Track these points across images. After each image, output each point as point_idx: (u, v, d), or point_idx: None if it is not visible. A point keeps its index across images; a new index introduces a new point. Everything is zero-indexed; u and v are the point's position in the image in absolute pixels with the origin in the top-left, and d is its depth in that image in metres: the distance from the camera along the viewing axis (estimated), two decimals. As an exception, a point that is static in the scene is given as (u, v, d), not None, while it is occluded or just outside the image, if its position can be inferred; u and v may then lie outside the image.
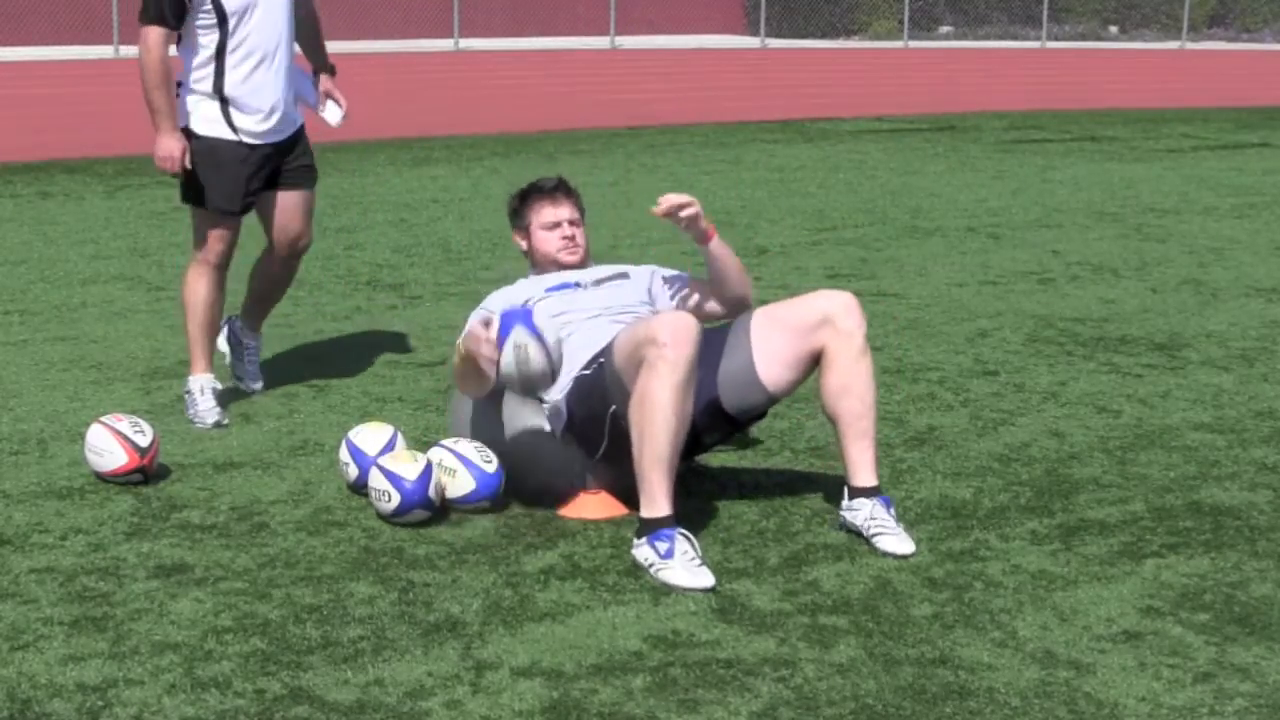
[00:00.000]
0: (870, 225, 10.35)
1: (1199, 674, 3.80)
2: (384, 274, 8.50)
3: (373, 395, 6.12)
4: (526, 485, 4.89)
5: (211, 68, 5.64)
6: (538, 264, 5.18)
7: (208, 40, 5.61)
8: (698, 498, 4.91)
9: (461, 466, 4.76)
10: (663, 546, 4.32)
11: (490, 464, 4.78)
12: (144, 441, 4.98)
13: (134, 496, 4.92)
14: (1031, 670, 3.81)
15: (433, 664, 3.79)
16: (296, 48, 5.93)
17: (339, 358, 6.69)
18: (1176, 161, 14.13)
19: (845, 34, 34.44)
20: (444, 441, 4.93)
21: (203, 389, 5.77)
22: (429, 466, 4.68)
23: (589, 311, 4.93)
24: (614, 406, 4.56)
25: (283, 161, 5.87)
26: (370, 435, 4.98)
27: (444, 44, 28.35)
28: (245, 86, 5.67)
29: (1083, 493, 5.10)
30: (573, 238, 5.15)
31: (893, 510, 4.64)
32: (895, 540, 4.54)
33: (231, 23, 5.59)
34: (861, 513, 4.62)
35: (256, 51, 5.65)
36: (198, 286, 5.82)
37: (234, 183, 5.74)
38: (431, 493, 4.66)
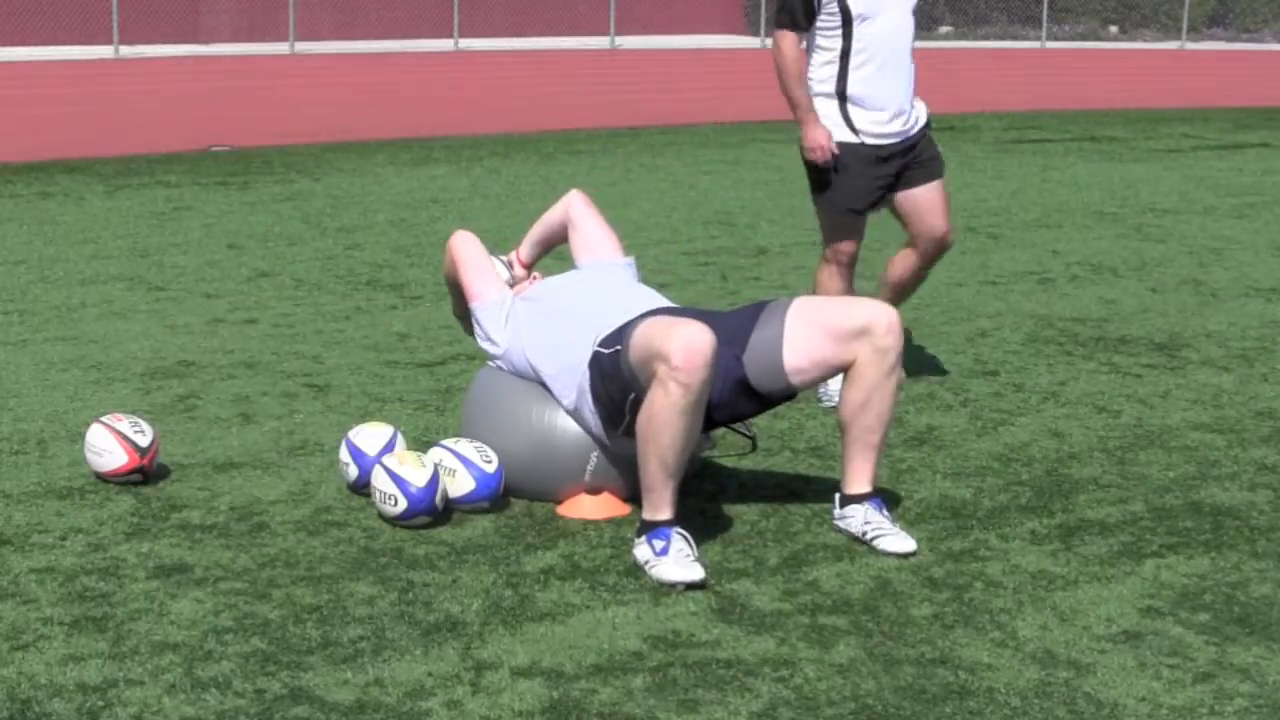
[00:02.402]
0: (870, 225, 10.33)
1: (1199, 674, 3.81)
2: (384, 274, 8.50)
3: (373, 395, 6.12)
4: (529, 486, 4.89)
5: (835, 69, 5.92)
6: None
7: (830, 43, 5.91)
8: (698, 498, 4.91)
9: (461, 466, 4.76)
10: (659, 544, 4.34)
11: (490, 464, 4.78)
12: (144, 441, 4.98)
13: (134, 496, 4.92)
14: (1031, 670, 3.81)
15: (433, 664, 3.79)
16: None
17: (339, 358, 6.69)
18: (1176, 161, 14.13)
19: (845, 34, 34.39)
20: (444, 441, 4.93)
21: None
22: (436, 473, 4.67)
23: (588, 272, 5.11)
24: (633, 394, 4.54)
25: (908, 160, 6.06)
26: (370, 435, 4.98)
27: (444, 44, 28.34)
28: (867, 88, 5.93)
29: (1082, 493, 5.11)
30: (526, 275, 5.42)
31: (885, 511, 4.64)
32: (896, 540, 4.54)
33: (855, 25, 5.86)
34: (856, 519, 4.62)
35: (879, 55, 5.91)
36: (830, 286, 6.11)
37: (859, 183, 6.02)
38: (438, 499, 4.67)
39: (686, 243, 9.40)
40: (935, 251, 6.21)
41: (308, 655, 3.82)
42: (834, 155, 5.96)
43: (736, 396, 4.65)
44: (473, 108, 18.06)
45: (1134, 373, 6.64)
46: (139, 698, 3.59)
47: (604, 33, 30.09)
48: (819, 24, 5.89)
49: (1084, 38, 35.29)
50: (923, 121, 6.12)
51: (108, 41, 24.94)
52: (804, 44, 5.94)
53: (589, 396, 4.70)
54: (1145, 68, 27.21)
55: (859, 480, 4.65)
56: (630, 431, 4.60)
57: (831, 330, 4.59)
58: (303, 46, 26.51)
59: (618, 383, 4.58)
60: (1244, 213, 11.11)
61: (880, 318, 4.57)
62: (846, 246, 6.11)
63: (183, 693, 3.62)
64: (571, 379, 4.75)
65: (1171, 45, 33.52)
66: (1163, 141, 15.65)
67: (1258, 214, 11.08)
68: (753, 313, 4.72)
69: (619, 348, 4.59)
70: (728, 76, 23.80)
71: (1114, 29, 36.68)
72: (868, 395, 4.57)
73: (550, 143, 14.62)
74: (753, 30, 32.56)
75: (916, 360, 6.75)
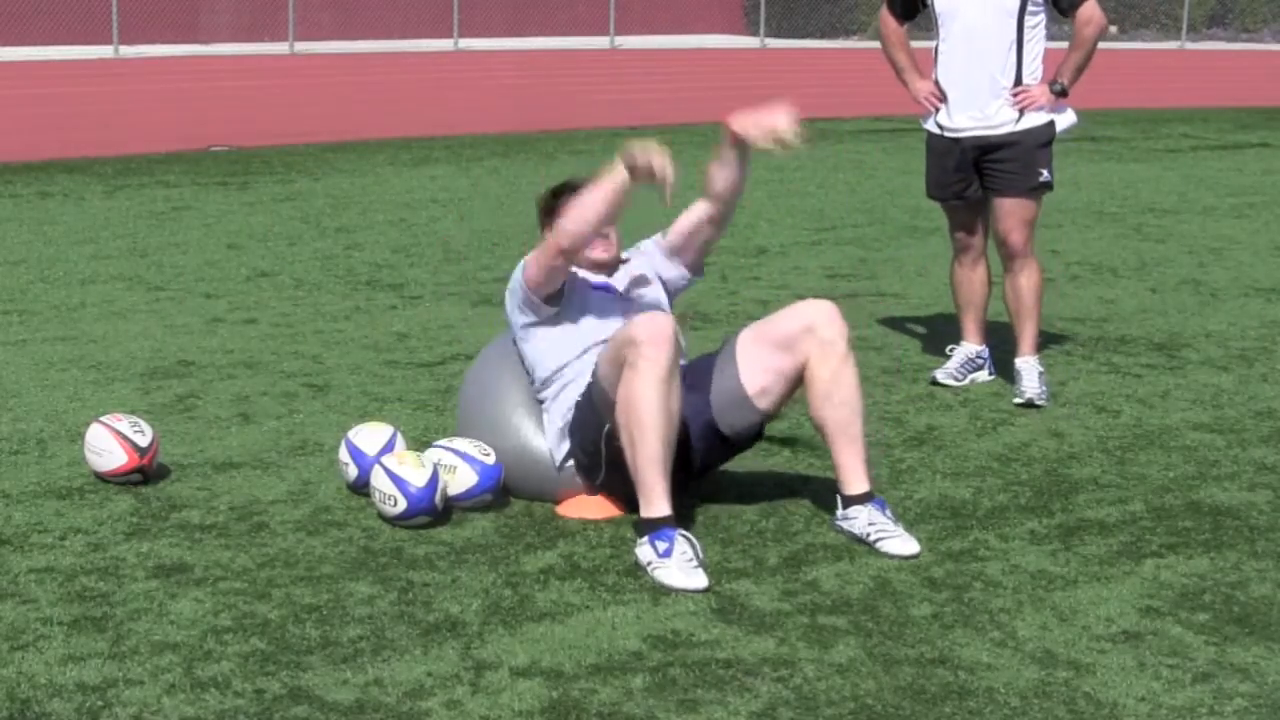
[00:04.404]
0: (870, 225, 10.36)
1: (1198, 674, 3.81)
2: (384, 274, 8.51)
3: (372, 395, 6.12)
4: (527, 485, 4.90)
5: (935, 63, 6.31)
6: None
7: (936, 39, 6.32)
8: (697, 498, 4.91)
9: (461, 462, 4.76)
10: (662, 546, 4.33)
11: (489, 456, 4.79)
12: (143, 441, 4.98)
13: (133, 496, 4.92)
14: (1031, 670, 3.81)
15: (432, 664, 3.79)
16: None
17: (339, 358, 6.69)
18: (1176, 161, 14.13)
19: (845, 34, 34.43)
20: (440, 441, 4.94)
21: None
22: (436, 473, 4.67)
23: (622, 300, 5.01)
24: (606, 425, 4.57)
25: (986, 161, 6.28)
26: (370, 435, 4.98)
27: (444, 44, 28.34)
28: (943, 81, 6.28)
29: (1082, 493, 5.11)
30: (606, 235, 5.06)
31: (888, 511, 4.64)
32: (899, 542, 4.54)
33: (940, 21, 6.27)
34: (859, 520, 4.61)
35: (956, 51, 6.25)
36: (954, 275, 6.54)
37: (940, 173, 6.38)
38: (437, 499, 4.67)
39: (686, 243, 9.39)
40: (1001, 254, 6.40)
41: (307, 655, 3.82)
42: (936, 99, 6.28)
43: (710, 442, 4.76)
44: (473, 108, 18.06)
45: (1134, 373, 6.64)
46: (138, 698, 3.59)
47: (604, 33, 30.09)
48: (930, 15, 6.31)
49: (1084, 38, 35.20)
50: (1007, 129, 6.27)
51: (108, 41, 24.94)
52: (907, 27, 6.45)
53: (565, 449, 4.82)
54: (1145, 67, 27.20)
55: (855, 479, 4.65)
56: (607, 484, 4.70)
57: (776, 340, 4.71)
58: (302, 46, 26.51)
59: (591, 421, 4.66)
60: (1244, 213, 11.11)
61: (818, 313, 4.69)
62: (954, 233, 6.48)
63: (182, 693, 3.62)
64: (559, 411, 4.85)
65: (1171, 45, 33.52)
66: (1162, 141, 15.65)
67: (1258, 214, 11.08)
68: (707, 362, 4.84)
69: (590, 382, 4.70)
70: (728, 76, 23.80)
71: (1114, 29, 36.65)
72: (827, 387, 4.63)
73: (550, 143, 14.62)
74: (753, 30, 32.55)
75: (916, 360, 6.76)
